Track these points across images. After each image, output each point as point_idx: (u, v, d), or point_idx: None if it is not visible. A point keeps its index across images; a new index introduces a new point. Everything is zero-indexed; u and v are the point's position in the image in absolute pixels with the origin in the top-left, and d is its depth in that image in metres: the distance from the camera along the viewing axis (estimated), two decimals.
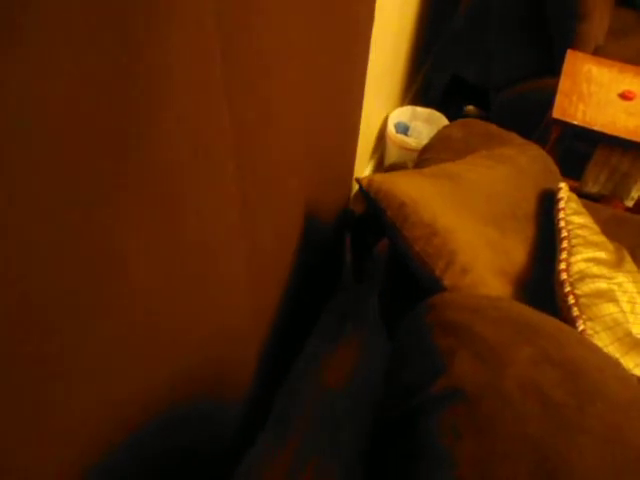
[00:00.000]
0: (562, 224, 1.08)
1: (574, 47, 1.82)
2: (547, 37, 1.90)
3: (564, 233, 1.06)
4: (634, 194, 1.64)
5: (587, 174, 1.65)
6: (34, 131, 0.42)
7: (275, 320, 1.23)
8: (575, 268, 0.98)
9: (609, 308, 0.92)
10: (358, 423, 1.47)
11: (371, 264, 1.84)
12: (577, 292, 0.94)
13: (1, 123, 0.39)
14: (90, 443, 0.65)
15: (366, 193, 1.04)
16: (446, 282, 0.96)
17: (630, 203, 1.66)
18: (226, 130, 0.70)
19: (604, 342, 0.86)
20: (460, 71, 2.40)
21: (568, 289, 0.95)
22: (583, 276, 0.96)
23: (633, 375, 0.83)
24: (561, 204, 1.13)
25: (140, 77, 0.50)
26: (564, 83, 1.66)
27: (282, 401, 1.51)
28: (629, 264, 1.08)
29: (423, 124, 2.22)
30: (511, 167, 1.27)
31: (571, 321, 0.91)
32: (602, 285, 0.96)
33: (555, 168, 1.39)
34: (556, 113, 1.56)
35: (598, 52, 1.92)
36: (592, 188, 1.66)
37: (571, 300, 0.93)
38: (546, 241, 1.11)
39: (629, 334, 0.89)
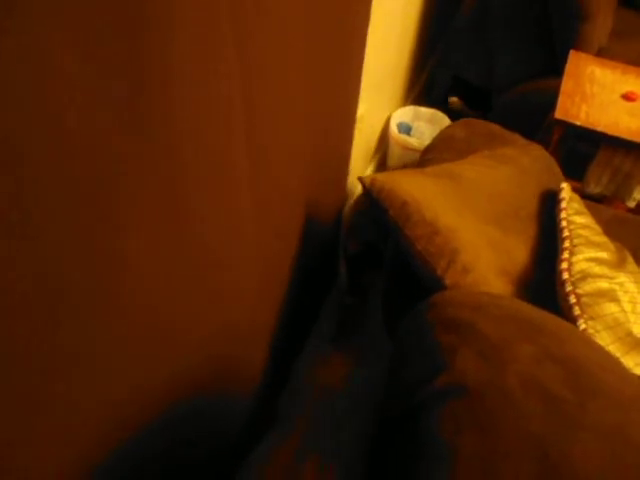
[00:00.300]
0: (564, 224, 1.08)
1: (577, 48, 1.82)
2: (550, 38, 1.90)
3: (566, 233, 1.06)
4: (636, 195, 1.64)
5: (589, 175, 1.64)
6: (34, 128, 0.41)
7: (279, 319, 1.23)
8: (577, 268, 0.98)
9: (610, 308, 0.92)
10: (358, 423, 1.47)
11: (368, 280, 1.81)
12: (579, 291, 0.94)
13: (2, 116, 0.39)
14: (92, 442, 0.65)
15: (368, 192, 1.05)
16: (448, 281, 0.96)
17: (632, 204, 1.66)
18: (236, 128, 0.69)
19: (605, 341, 0.87)
20: (461, 72, 2.40)
21: (570, 288, 0.95)
22: (585, 276, 0.97)
23: (634, 373, 0.83)
24: (563, 204, 1.13)
25: (150, 71, 0.50)
26: (567, 84, 1.66)
27: (283, 401, 1.51)
28: (631, 264, 1.08)
29: (426, 124, 2.22)
30: (513, 167, 1.27)
31: (572, 320, 0.91)
32: (603, 285, 0.96)
33: (557, 169, 1.39)
34: (559, 114, 1.56)
35: (601, 53, 1.92)
36: (594, 189, 1.66)
37: (573, 299, 0.93)
38: (548, 241, 1.11)
39: (630, 334, 0.89)
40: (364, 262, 1.55)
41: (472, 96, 2.41)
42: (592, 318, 0.90)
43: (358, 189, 1.91)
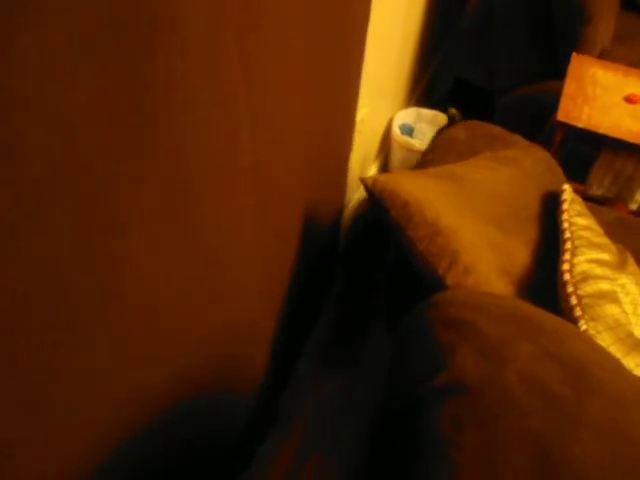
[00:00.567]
0: (565, 225, 1.08)
1: (579, 50, 1.82)
2: (552, 40, 1.90)
3: (567, 234, 1.06)
4: (638, 197, 1.64)
5: (591, 177, 1.64)
6: (34, 128, 0.41)
7: (280, 319, 1.23)
8: (578, 269, 0.98)
9: (611, 309, 0.92)
10: (358, 423, 1.47)
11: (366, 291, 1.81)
12: (580, 293, 0.94)
13: (3, 113, 0.39)
14: (92, 442, 0.65)
15: (371, 193, 1.05)
16: (449, 281, 0.96)
17: (634, 206, 1.66)
18: (238, 130, 0.70)
19: (606, 342, 0.86)
20: (465, 73, 2.40)
21: (571, 289, 0.95)
22: (586, 277, 0.96)
23: (633, 373, 0.83)
24: (565, 205, 1.13)
25: (154, 73, 0.50)
26: (569, 86, 1.66)
27: (284, 401, 1.51)
28: (632, 266, 1.08)
29: (428, 126, 2.22)
30: (515, 169, 1.27)
31: (573, 321, 0.91)
32: (605, 286, 0.96)
33: (559, 171, 1.39)
34: (561, 116, 1.56)
35: (603, 56, 1.92)
36: (596, 191, 1.66)
37: (574, 300, 0.93)
38: (549, 242, 1.11)
39: (630, 335, 0.89)
40: (364, 262, 1.55)
41: (471, 104, 2.41)
42: (593, 319, 0.90)
43: (358, 191, 1.91)
